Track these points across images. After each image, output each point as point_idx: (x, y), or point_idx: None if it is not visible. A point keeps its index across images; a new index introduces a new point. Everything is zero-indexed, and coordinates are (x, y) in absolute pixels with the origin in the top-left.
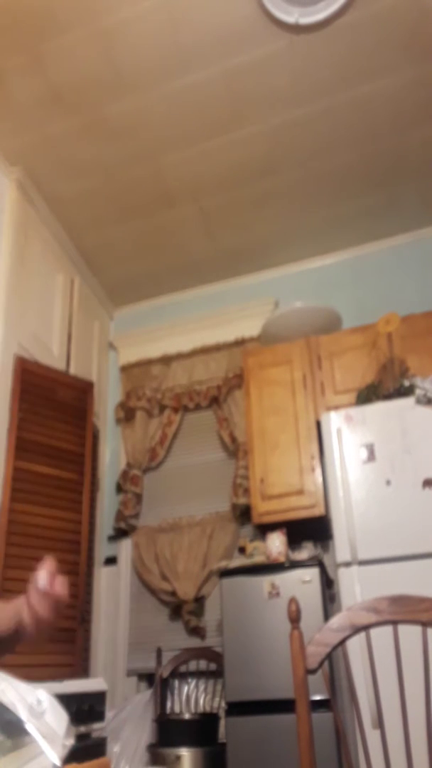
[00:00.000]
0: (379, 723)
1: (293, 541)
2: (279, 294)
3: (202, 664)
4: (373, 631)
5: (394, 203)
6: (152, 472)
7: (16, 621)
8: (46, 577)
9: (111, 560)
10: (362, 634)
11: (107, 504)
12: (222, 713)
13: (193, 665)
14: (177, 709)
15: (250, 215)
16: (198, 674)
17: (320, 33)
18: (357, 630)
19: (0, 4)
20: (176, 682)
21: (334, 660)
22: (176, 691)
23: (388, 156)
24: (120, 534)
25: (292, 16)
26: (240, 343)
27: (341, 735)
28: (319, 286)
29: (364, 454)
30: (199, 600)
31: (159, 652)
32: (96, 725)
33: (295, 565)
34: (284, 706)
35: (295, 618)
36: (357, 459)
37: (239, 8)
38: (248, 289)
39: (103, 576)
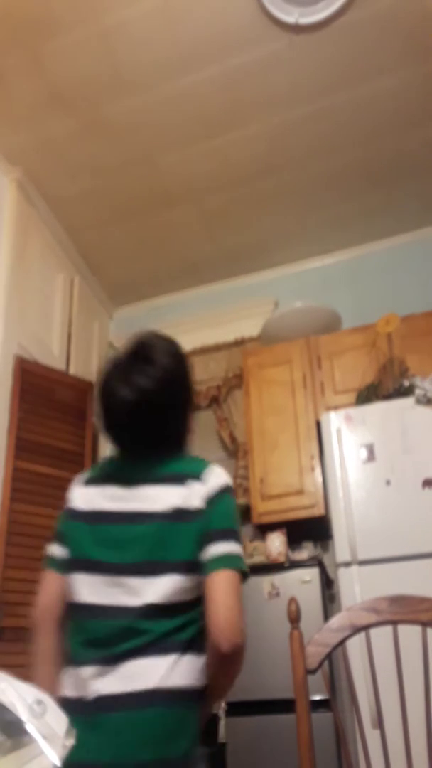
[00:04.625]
0: (379, 723)
1: (293, 541)
2: (279, 294)
3: None
4: (373, 631)
5: (394, 203)
6: None
7: None
8: None
9: None
10: (362, 634)
11: None
12: (222, 713)
13: None
14: None
15: (250, 215)
16: None
17: (320, 33)
18: (357, 630)
19: (0, 4)
20: None
21: (334, 660)
22: None
23: (388, 156)
24: None
25: (292, 16)
26: (240, 343)
27: (341, 735)
28: (319, 286)
29: (364, 454)
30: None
31: None
32: None
33: (294, 565)
34: (284, 706)
35: (294, 618)
36: (357, 459)
37: (239, 8)
38: (248, 289)
39: None
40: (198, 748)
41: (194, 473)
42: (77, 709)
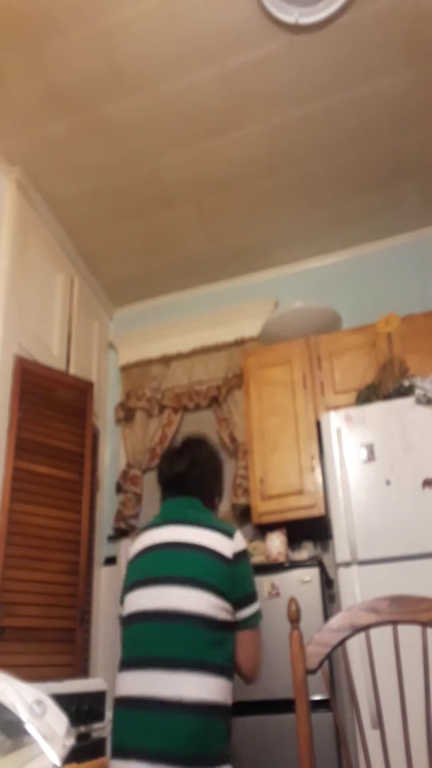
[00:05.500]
0: (379, 723)
1: (293, 541)
2: (279, 294)
3: None
4: (373, 631)
5: (394, 203)
6: (152, 472)
7: None
8: None
9: (111, 560)
10: (362, 634)
11: (107, 504)
12: None
13: None
14: None
15: (250, 215)
16: None
17: (320, 33)
18: (357, 630)
19: (0, 4)
20: None
21: (334, 660)
22: None
23: (388, 156)
24: (120, 534)
25: (292, 16)
26: (240, 343)
27: (341, 735)
28: (319, 286)
29: (364, 454)
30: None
31: None
32: (96, 725)
33: (294, 565)
34: (284, 706)
35: (294, 618)
36: (357, 459)
37: (239, 8)
38: (248, 289)
39: (102, 576)
40: (227, 749)
41: (228, 532)
42: (134, 706)
